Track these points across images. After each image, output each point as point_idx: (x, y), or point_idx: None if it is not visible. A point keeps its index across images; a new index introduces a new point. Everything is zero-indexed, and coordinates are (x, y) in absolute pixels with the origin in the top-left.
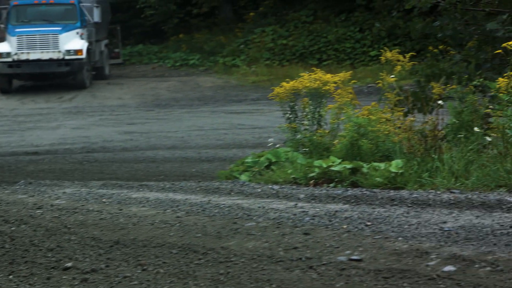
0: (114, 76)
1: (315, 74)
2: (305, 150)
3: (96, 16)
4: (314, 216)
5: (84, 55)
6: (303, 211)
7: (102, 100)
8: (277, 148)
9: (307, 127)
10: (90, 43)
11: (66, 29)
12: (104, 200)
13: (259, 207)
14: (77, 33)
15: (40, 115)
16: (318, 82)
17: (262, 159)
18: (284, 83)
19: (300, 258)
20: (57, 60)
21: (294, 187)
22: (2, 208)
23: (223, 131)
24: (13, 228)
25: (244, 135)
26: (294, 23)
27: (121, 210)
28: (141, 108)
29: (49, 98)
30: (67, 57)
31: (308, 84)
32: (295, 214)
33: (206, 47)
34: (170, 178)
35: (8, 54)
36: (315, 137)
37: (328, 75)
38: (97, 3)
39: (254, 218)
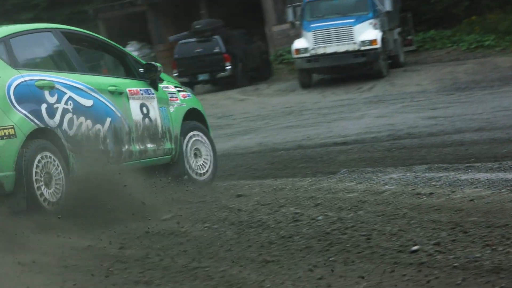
0: (409, 63)
1: None
2: None
3: (388, 5)
4: None
5: (379, 45)
6: None
7: (401, 87)
8: None
9: None
10: (383, 32)
11: (359, 20)
12: (433, 183)
13: None
14: (370, 23)
15: (342, 106)
16: None
17: None
18: None
19: None
20: (353, 51)
21: None
22: (338, 196)
23: None
24: (350, 215)
25: None
26: None
27: (453, 191)
28: (441, 92)
29: (348, 89)
30: (362, 48)
31: None
32: None
33: (500, 27)
34: (481, 160)
35: (306, 50)
36: None
37: None
38: None
39: None
